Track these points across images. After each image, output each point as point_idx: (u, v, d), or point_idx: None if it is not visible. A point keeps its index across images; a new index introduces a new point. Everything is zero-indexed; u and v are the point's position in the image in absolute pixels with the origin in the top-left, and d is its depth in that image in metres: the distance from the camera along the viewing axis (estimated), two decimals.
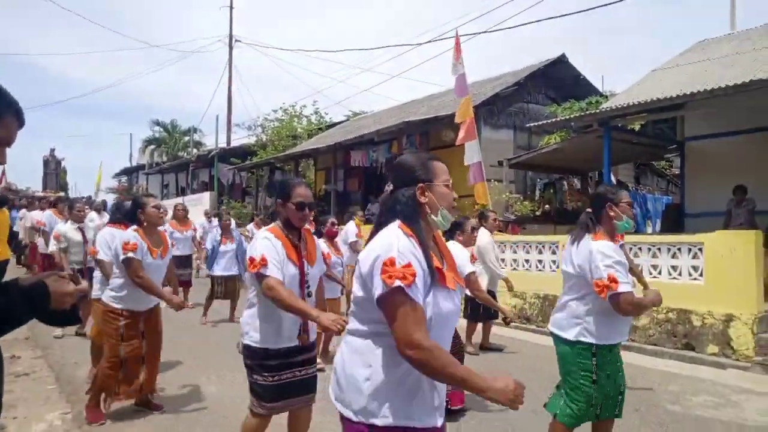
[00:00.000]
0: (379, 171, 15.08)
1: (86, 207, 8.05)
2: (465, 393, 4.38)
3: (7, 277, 1.54)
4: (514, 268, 8.76)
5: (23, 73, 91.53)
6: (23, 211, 12.78)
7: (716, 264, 6.50)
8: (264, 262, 2.75)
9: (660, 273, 7.00)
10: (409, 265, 1.67)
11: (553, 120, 11.02)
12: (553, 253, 8.41)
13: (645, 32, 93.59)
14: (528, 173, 14.13)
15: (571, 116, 10.60)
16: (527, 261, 8.76)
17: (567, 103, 13.57)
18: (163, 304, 4.36)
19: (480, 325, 6.73)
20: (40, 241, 10.05)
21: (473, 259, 4.92)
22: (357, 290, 1.80)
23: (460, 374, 1.64)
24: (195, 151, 28.55)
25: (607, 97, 13.77)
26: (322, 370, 3.24)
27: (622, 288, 2.83)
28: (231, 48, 26.63)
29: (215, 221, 12.28)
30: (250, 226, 11.75)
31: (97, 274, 5.37)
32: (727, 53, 10.28)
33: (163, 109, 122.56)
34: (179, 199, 21.96)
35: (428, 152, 2.12)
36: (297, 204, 2.89)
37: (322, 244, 3.34)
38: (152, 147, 35.79)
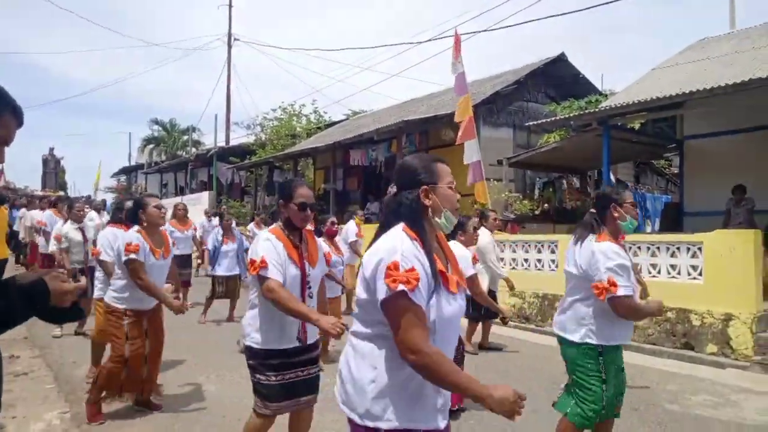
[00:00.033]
0: (378, 170, 15.07)
1: (86, 206, 8.04)
2: None
3: (6, 276, 1.53)
4: (513, 268, 8.77)
5: (23, 72, 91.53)
6: (23, 210, 12.77)
7: (715, 263, 6.50)
8: (264, 264, 2.75)
9: (659, 272, 7.00)
10: (412, 270, 1.67)
11: (553, 119, 11.02)
12: (552, 252, 8.41)
13: (645, 31, 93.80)
14: (527, 172, 14.13)
15: (571, 115, 10.59)
16: (526, 260, 8.77)
17: (566, 102, 13.56)
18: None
19: (479, 325, 6.73)
20: (40, 240, 10.05)
21: (475, 260, 4.91)
22: (360, 293, 1.80)
23: (460, 381, 1.65)
24: (194, 150, 28.52)
25: (606, 95, 13.76)
26: (321, 370, 3.24)
27: (620, 291, 2.84)
28: (230, 47, 26.63)
29: (215, 220, 12.28)
30: (251, 226, 11.73)
31: (98, 274, 5.37)
32: (726, 52, 10.28)
33: (162, 108, 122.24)
34: (178, 199, 21.97)
35: (432, 154, 2.11)
36: (299, 204, 2.89)
37: (323, 244, 3.33)
38: (151, 146, 35.77)
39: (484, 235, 6.45)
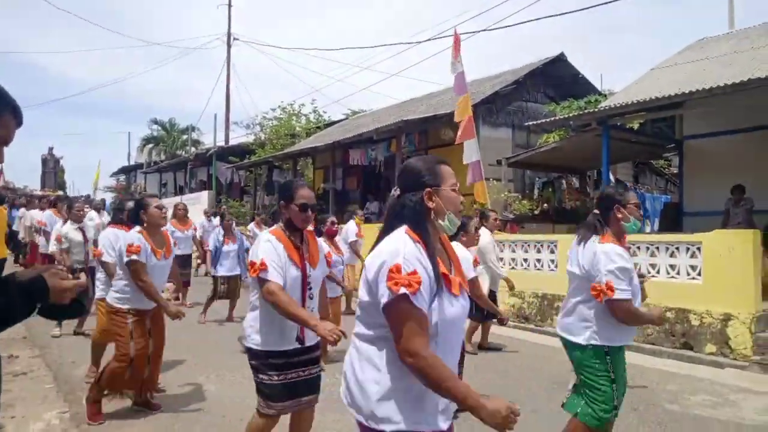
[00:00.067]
0: (377, 170, 15.06)
1: (86, 206, 8.04)
2: None
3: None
4: (513, 267, 8.77)
5: (22, 72, 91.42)
6: (22, 210, 12.76)
7: (714, 263, 6.51)
8: (264, 267, 2.75)
9: (658, 272, 7.00)
10: (414, 273, 1.68)
11: (552, 119, 11.02)
12: (552, 252, 8.42)
13: (644, 31, 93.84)
14: (526, 172, 14.13)
15: (570, 115, 10.60)
16: (526, 260, 8.77)
17: (566, 102, 13.57)
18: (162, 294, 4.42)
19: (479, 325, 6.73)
20: (41, 240, 10.04)
21: (476, 263, 4.92)
22: (363, 295, 1.80)
23: (456, 389, 1.65)
24: (193, 149, 28.52)
25: (605, 95, 13.77)
26: (322, 370, 3.24)
27: (617, 295, 2.85)
28: (229, 46, 26.62)
29: (215, 220, 12.28)
30: (251, 226, 11.73)
31: (100, 275, 5.37)
32: (725, 52, 10.29)
33: (162, 108, 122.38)
34: (177, 198, 21.96)
35: (435, 155, 2.11)
36: (300, 206, 2.90)
37: (323, 245, 3.33)
38: (150, 146, 35.74)
39: (484, 236, 6.46)
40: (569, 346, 3.14)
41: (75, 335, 7.03)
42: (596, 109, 9.73)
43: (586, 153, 11.20)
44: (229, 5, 26.53)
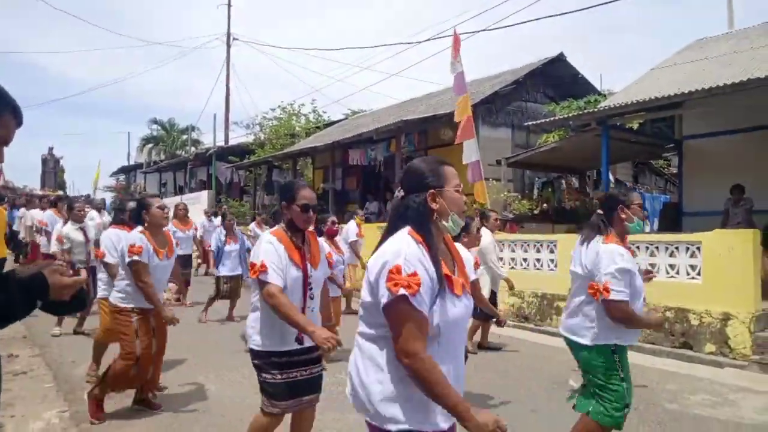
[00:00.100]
0: (377, 170, 15.07)
1: (86, 206, 8.04)
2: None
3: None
4: (512, 267, 8.77)
5: (22, 71, 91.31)
6: (23, 209, 12.76)
7: (714, 263, 6.51)
8: (264, 269, 2.77)
9: (658, 272, 6.99)
10: (414, 274, 1.68)
11: (552, 119, 11.03)
12: (551, 252, 8.42)
13: (644, 31, 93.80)
14: (526, 172, 14.14)
15: (570, 115, 10.61)
16: (525, 260, 8.77)
17: (565, 102, 13.57)
18: (165, 296, 4.51)
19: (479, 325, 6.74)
20: (42, 240, 10.04)
21: (477, 265, 4.92)
22: (365, 295, 1.81)
23: (448, 396, 1.66)
24: (193, 149, 28.51)
25: (605, 95, 13.77)
26: (324, 369, 3.25)
27: (612, 296, 2.87)
28: (229, 46, 26.63)
29: (215, 220, 12.28)
30: (252, 225, 11.72)
31: (102, 275, 5.38)
32: (725, 52, 10.29)
33: (161, 108, 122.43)
34: (177, 198, 21.97)
35: (438, 156, 2.12)
36: (302, 206, 2.91)
37: (325, 245, 3.34)
38: (150, 145, 35.72)
39: (485, 236, 6.46)
40: (575, 347, 3.13)
41: (75, 334, 7.04)
42: (596, 109, 9.73)
43: (586, 153, 11.20)
44: (229, 5, 26.56)
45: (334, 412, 4.23)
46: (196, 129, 34.44)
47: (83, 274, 1.58)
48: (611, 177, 12.05)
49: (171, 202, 15.63)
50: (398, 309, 1.68)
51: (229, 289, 8.28)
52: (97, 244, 6.10)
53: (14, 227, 11.74)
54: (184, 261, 8.91)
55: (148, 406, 4.36)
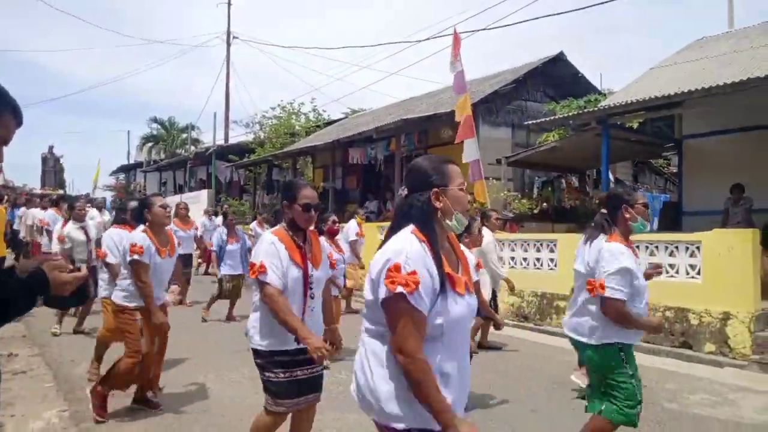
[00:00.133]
0: (377, 168, 15.06)
1: (87, 205, 8.04)
2: None
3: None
4: (512, 267, 8.77)
5: (22, 70, 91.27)
6: (23, 209, 12.74)
7: (714, 262, 6.51)
8: (263, 269, 2.78)
9: None
10: (413, 273, 1.68)
11: (552, 118, 11.02)
12: (551, 251, 8.42)
13: (642, 31, 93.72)
14: (526, 171, 14.13)
15: (570, 114, 10.60)
16: (525, 259, 8.77)
17: (565, 101, 13.56)
18: (167, 298, 4.49)
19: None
20: (43, 239, 10.03)
21: (478, 266, 4.92)
22: (368, 293, 1.82)
23: (436, 401, 1.67)
24: (193, 148, 28.47)
25: (605, 95, 13.76)
26: (326, 368, 3.25)
27: (608, 293, 2.88)
28: (229, 45, 26.64)
29: (216, 219, 12.28)
30: (254, 225, 11.72)
31: (104, 275, 5.38)
32: (725, 51, 10.29)
33: (161, 107, 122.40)
34: (177, 197, 21.96)
35: (442, 155, 2.12)
36: (303, 206, 2.91)
37: (326, 245, 3.34)
38: (150, 144, 35.70)
39: (486, 236, 6.45)
40: (581, 346, 3.12)
41: (74, 334, 7.03)
42: (596, 109, 9.73)
43: (586, 152, 11.20)
44: (229, 4, 26.57)
45: (334, 411, 4.24)
46: (196, 128, 34.42)
47: (83, 270, 1.58)
48: (611, 176, 12.04)
49: (171, 201, 15.59)
50: (395, 306, 1.69)
51: (230, 289, 8.30)
52: (98, 243, 6.10)
53: (15, 226, 11.71)
54: (185, 260, 8.91)
55: (147, 405, 4.36)
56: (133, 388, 4.38)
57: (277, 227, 3.02)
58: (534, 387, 5.23)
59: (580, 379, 4.88)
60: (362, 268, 9.49)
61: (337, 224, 6.49)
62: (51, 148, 28.10)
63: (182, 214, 9.07)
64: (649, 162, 16.50)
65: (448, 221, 1.86)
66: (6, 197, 13.75)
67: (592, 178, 14.12)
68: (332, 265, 3.37)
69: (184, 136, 34.35)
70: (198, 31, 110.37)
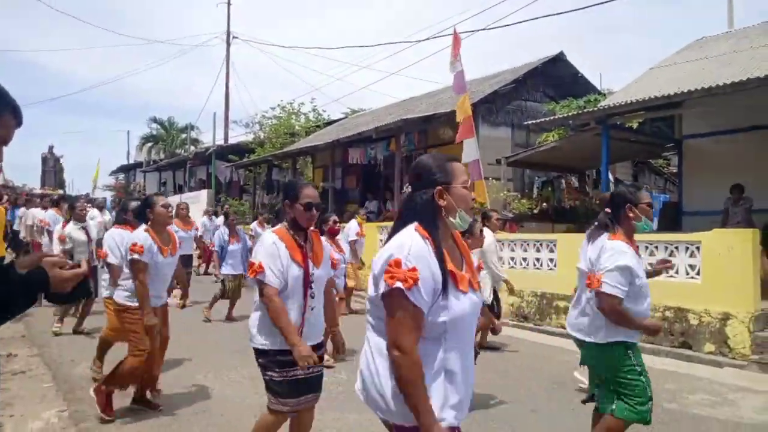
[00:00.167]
0: (377, 169, 15.07)
1: (88, 205, 8.03)
2: None
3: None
4: (512, 267, 8.77)
5: (21, 70, 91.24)
6: (23, 209, 12.73)
7: (713, 262, 6.51)
8: (261, 269, 2.80)
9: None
10: (413, 269, 1.69)
11: (551, 118, 11.02)
12: (551, 251, 8.41)
13: (641, 31, 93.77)
14: (526, 171, 14.13)
15: (569, 114, 10.60)
16: (525, 259, 8.77)
17: (565, 101, 13.56)
18: (171, 302, 4.50)
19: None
20: (44, 240, 10.03)
21: (479, 268, 4.90)
22: (371, 289, 1.83)
23: (421, 401, 1.66)
24: (192, 148, 28.51)
25: (605, 95, 13.76)
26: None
27: (605, 288, 2.87)
28: (228, 44, 26.65)
29: (216, 219, 12.29)
30: (254, 225, 11.73)
31: (106, 275, 5.38)
32: (724, 51, 10.29)
33: (161, 106, 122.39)
34: (177, 197, 21.97)
35: (446, 153, 2.13)
36: (305, 205, 2.92)
37: (328, 245, 3.35)
38: (150, 144, 35.73)
39: (488, 236, 6.44)
40: (587, 346, 3.11)
41: (74, 334, 7.03)
42: (595, 109, 9.73)
43: (586, 152, 11.20)
44: (229, 3, 26.60)
45: (334, 411, 4.24)
46: (196, 128, 34.46)
47: (84, 266, 1.58)
48: (611, 176, 12.04)
49: (171, 201, 15.61)
50: (393, 301, 1.69)
51: (231, 289, 8.30)
52: (99, 243, 6.10)
53: (15, 227, 11.70)
54: (186, 261, 8.92)
55: (147, 405, 4.36)
56: (132, 388, 4.38)
57: (278, 226, 3.03)
58: (534, 387, 5.23)
59: (584, 375, 4.87)
60: (359, 268, 9.50)
61: (338, 224, 6.50)
62: (51, 147, 28.10)
63: (183, 215, 9.08)
64: (649, 162, 16.50)
65: (451, 219, 1.86)
66: (6, 197, 13.72)
67: (591, 178, 14.12)
68: (334, 266, 3.38)
69: (184, 136, 34.38)
70: (198, 31, 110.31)
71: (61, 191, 23.32)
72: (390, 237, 1.87)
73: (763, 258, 6.82)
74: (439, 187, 1.85)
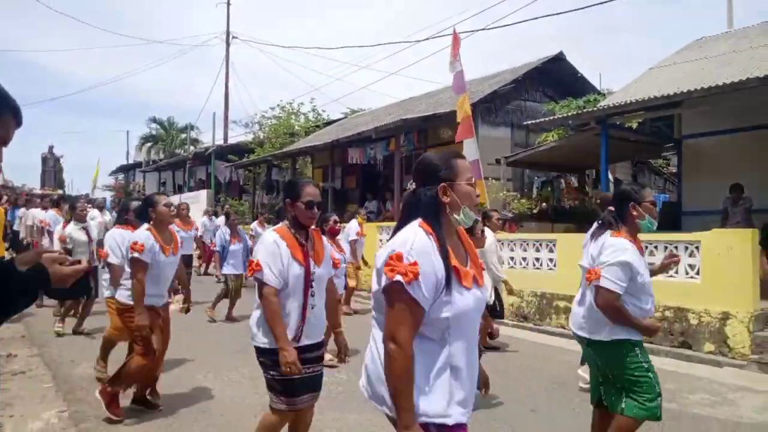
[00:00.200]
0: (376, 168, 15.07)
1: (88, 205, 8.03)
2: None
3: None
4: (512, 267, 8.77)
5: (21, 70, 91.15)
6: (23, 209, 12.73)
7: (713, 262, 6.52)
8: (259, 267, 2.82)
9: None
10: (414, 264, 1.69)
11: (551, 118, 11.03)
12: (551, 251, 8.42)
13: (641, 31, 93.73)
14: (525, 171, 14.14)
15: (569, 114, 10.61)
16: (524, 259, 8.77)
17: (564, 101, 13.57)
18: (172, 308, 4.52)
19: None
20: (45, 240, 10.02)
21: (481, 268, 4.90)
22: (375, 285, 1.84)
23: (406, 398, 1.67)
24: (192, 148, 28.50)
25: (604, 95, 13.77)
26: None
27: (603, 283, 2.88)
28: (228, 44, 26.64)
29: (216, 219, 12.29)
30: (254, 225, 11.73)
31: (107, 275, 5.38)
32: (724, 51, 10.30)
33: (160, 106, 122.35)
34: (177, 198, 21.96)
35: (451, 150, 2.14)
36: (306, 203, 2.93)
37: (328, 245, 3.36)
38: (149, 144, 35.72)
39: (489, 236, 6.44)
40: (590, 344, 3.09)
41: (74, 334, 7.02)
42: (595, 108, 9.74)
43: (585, 152, 11.20)
44: (228, 3, 26.58)
45: (334, 411, 4.24)
46: (195, 128, 34.46)
47: (84, 262, 1.58)
48: (610, 176, 12.05)
49: (173, 201, 15.63)
50: (392, 294, 1.70)
51: (233, 288, 8.31)
52: (100, 243, 6.10)
53: (15, 227, 11.69)
54: (186, 261, 8.92)
55: (147, 405, 4.36)
56: (132, 388, 4.38)
57: (279, 225, 3.04)
58: (534, 387, 5.23)
59: (587, 373, 4.87)
60: (359, 268, 9.50)
61: (338, 224, 6.50)
62: (51, 147, 28.11)
63: (183, 215, 9.09)
64: (649, 162, 16.50)
65: (455, 215, 1.87)
66: (6, 197, 13.72)
67: (591, 178, 14.12)
68: (336, 265, 3.38)
69: (184, 136, 34.37)
70: (197, 31, 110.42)
71: (60, 191, 23.32)
72: (394, 233, 1.88)
73: (763, 258, 6.83)
74: (443, 184, 1.85)
